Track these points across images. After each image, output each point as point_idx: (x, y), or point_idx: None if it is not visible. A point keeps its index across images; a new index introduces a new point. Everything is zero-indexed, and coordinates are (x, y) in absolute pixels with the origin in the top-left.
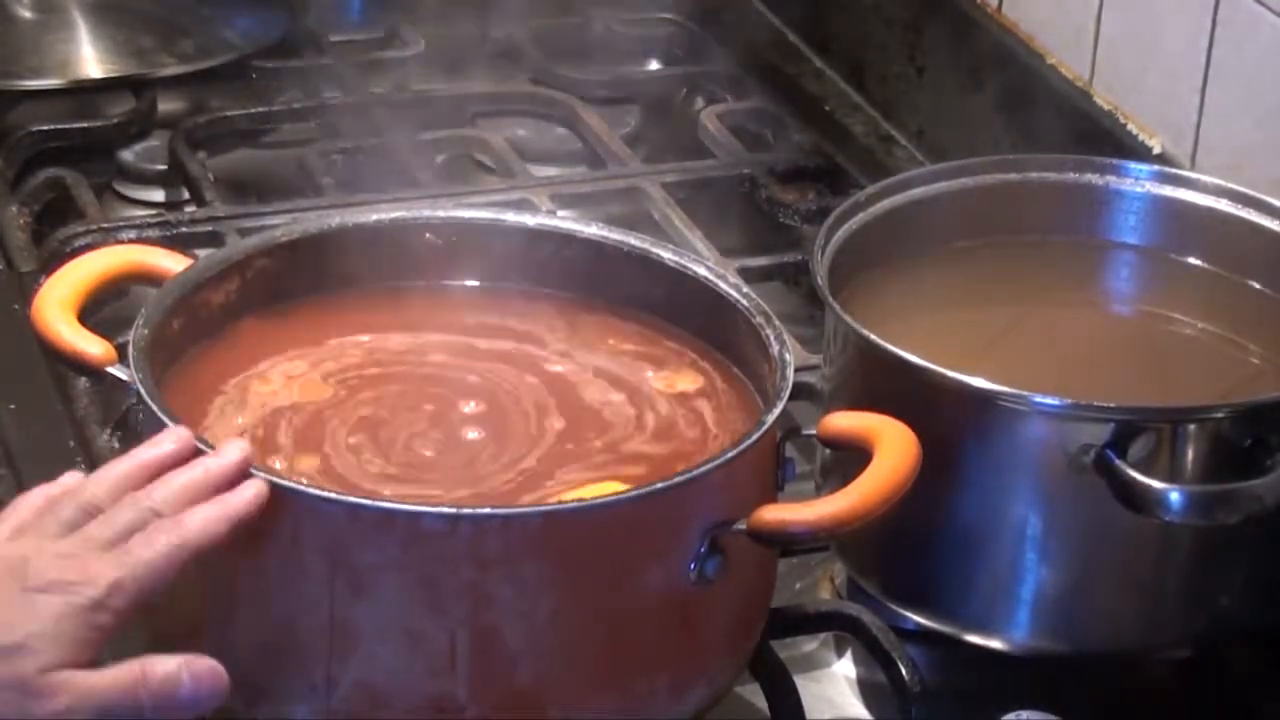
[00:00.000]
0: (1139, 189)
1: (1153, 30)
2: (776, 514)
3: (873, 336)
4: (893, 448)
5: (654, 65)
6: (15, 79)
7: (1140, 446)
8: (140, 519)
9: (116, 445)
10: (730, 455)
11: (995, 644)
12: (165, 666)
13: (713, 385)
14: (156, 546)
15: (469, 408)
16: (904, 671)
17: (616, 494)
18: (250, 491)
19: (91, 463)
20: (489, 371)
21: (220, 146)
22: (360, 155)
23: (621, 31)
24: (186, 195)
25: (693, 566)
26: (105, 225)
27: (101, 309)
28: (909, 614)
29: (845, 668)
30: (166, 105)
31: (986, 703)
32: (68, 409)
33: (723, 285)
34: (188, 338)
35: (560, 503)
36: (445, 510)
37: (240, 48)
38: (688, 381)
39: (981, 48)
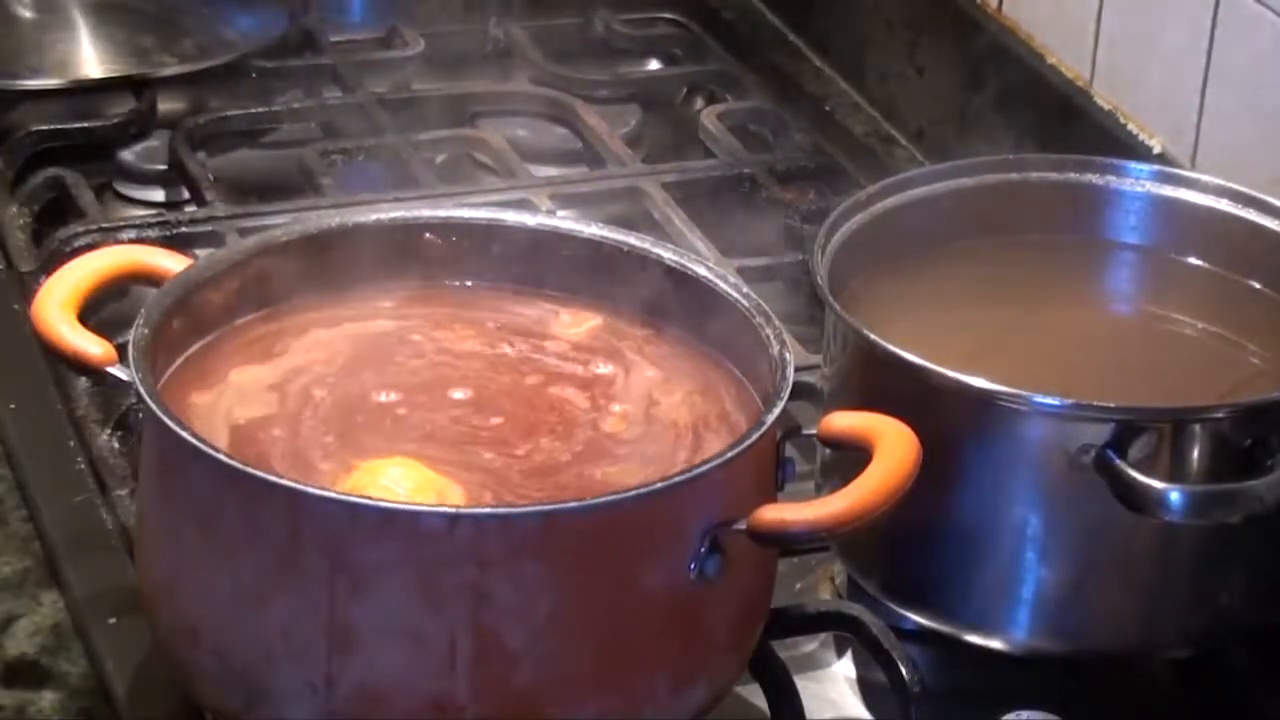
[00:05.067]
0: (1139, 189)
1: (1153, 30)
2: (776, 514)
3: (873, 336)
4: (893, 448)
5: (654, 65)
6: (15, 79)
7: (1140, 446)
8: None
9: (116, 445)
10: (730, 455)
11: (995, 644)
12: None
13: (711, 385)
14: None
15: (466, 406)
16: (904, 671)
17: (617, 493)
18: None
19: (91, 463)
20: (488, 370)
21: (220, 146)
22: (360, 155)
23: (621, 31)
24: (186, 195)
25: (693, 566)
26: (105, 225)
27: (101, 309)
28: (909, 614)
29: (845, 668)
30: (166, 105)
31: (986, 703)
32: (68, 409)
33: (723, 285)
34: (188, 338)
35: (560, 502)
36: (445, 510)
37: (240, 48)
38: (683, 384)
39: (981, 48)
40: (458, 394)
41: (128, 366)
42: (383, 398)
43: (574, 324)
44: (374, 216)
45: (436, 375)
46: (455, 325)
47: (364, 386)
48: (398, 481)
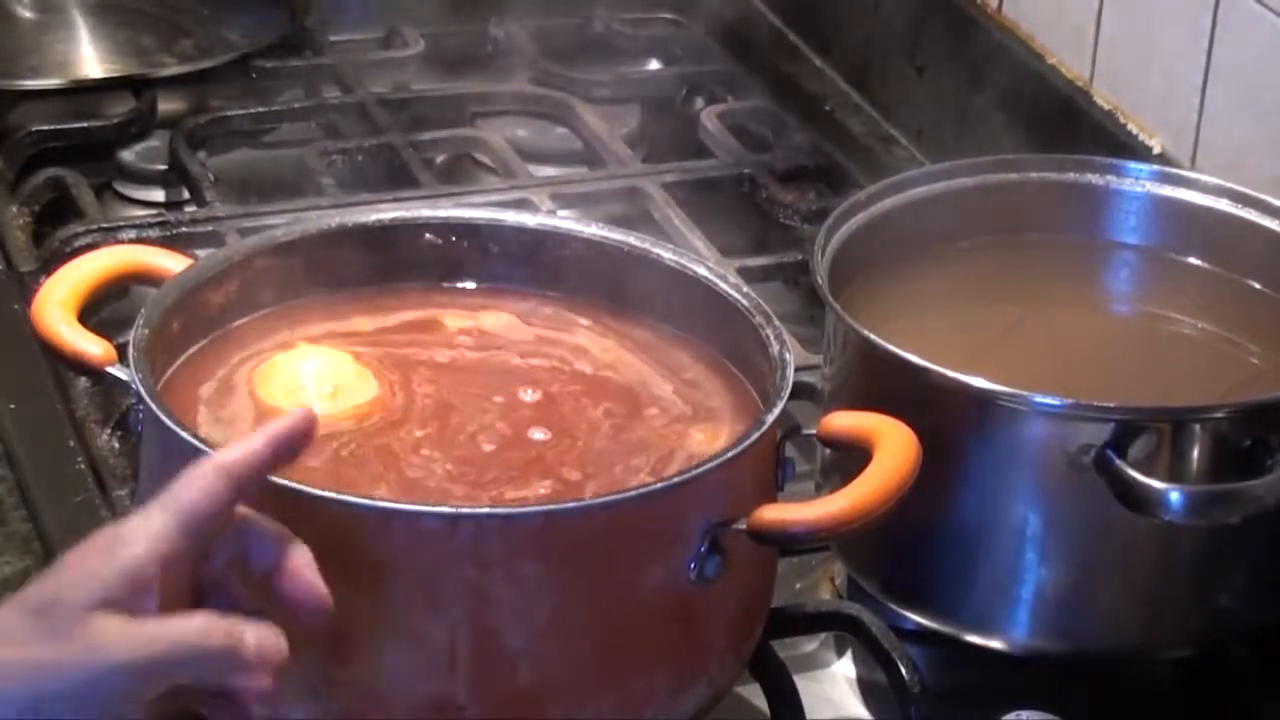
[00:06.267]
0: (1139, 189)
1: (1153, 30)
2: (776, 514)
3: (873, 336)
4: (893, 448)
5: (654, 65)
6: (15, 79)
7: (1140, 446)
8: None
9: (116, 445)
10: (730, 455)
11: (995, 644)
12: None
13: (709, 385)
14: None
15: (468, 409)
16: (904, 671)
17: (617, 494)
18: (291, 419)
19: (91, 463)
20: (489, 370)
21: (220, 146)
22: (360, 155)
23: (621, 31)
24: (186, 195)
25: (693, 566)
26: (105, 225)
27: (101, 309)
28: (909, 614)
29: (845, 668)
30: (166, 105)
31: (986, 703)
32: (68, 409)
33: (723, 285)
34: (188, 338)
35: (560, 502)
36: (445, 510)
37: (240, 48)
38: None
39: (981, 48)
40: (538, 435)
41: (128, 366)
42: (524, 395)
43: (709, 442)
44: (374, 216)
45: (438, 374)
46: (455, 324)
47: (503, 359)
48: (310, 363)
